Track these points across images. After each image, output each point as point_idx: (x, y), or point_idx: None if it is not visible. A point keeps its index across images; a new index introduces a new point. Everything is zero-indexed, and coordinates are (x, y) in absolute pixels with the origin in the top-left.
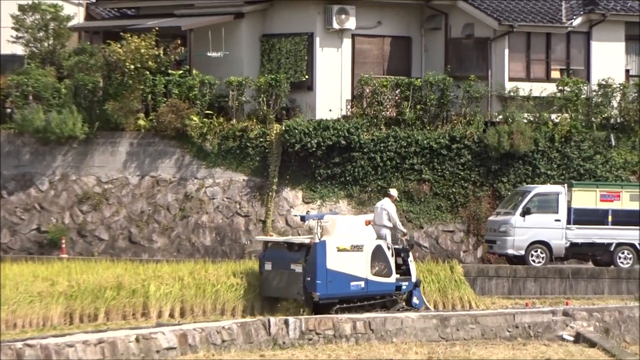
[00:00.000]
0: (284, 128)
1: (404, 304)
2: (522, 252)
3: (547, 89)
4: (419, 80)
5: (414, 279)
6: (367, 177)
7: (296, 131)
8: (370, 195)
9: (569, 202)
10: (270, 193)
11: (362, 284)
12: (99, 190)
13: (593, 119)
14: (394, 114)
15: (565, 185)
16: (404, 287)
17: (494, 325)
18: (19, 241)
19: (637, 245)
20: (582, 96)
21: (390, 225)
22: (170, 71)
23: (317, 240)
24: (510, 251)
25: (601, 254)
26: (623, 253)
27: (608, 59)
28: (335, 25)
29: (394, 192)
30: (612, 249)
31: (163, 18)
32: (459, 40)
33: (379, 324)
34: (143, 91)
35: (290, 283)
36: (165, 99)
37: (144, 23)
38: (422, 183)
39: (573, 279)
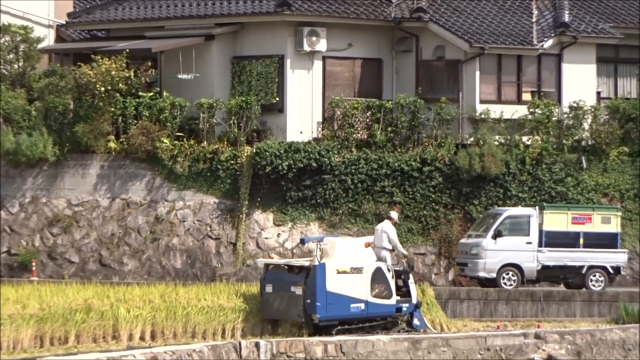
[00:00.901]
0: (254, 150)
1: (405, 325)
2: (494, 275)
3: (518, 111)
4: (390, 102)
5: (414, 301)
6: (338, 199)
7: (267, 153)
8: (342, 218)
9: (541, 224)
10: (241, 215)
11: (362, 305)
12: (69, 212)
13: (564, 141)
14: (365, 136)
15: (537, 207)
16: (404, 309)
17: (465, 348)
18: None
19: (609, 268)
20: (554, 118)
21: (390, 247)
22: (140, 93)
23: (316, 263)
24: (481, 274)
25: (573, 277)
26: (595, 276)
27: (579, 81)
28: (306, 48)
29: (394, 214)
30: (583, 271)
31: (133, 40)
32: (430, 63)
33: (350, 346)
34: (113, 113)
35: (290, 305)
36: (135, 121)
37: (114, 45)
38: (394, 205)
39: (545, 302)
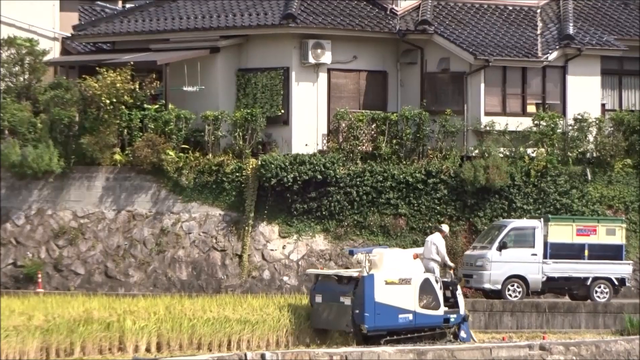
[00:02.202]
0: (260, 163)
1: (452, 337)
2: (499, 287)
3: (523, 124)
4: (394, 114)
5: (462, 312)
6: (343, 211)
7: (272, 166)
8: (347, 230)
9: (546, 236)
10: (247, 227)
11: (410, 316)
12: (75, 224)
13: (569, 153)
14: (370, 149)
15: (542, 219)
16: (452, 320)
17: (471, 359)
18: (0, 275)
19: (614, 280)
20: (558, 130)
21: (439, 259)
22: (146, 106)
23: (365, 274)
24: (486, 285)
25: (578, 288)
26: (599, 287)
27: (584, 93)
28: (311, 60)
29: (445, 227)
30: (588, 283)
31: (139, 52)
32: (434, 75)
33: (355, 358)
34: (119, 126)
35: (339, 315)
36: (141, 134)
37: (119, 57)
38: (398, 217)
39: (550, 313)
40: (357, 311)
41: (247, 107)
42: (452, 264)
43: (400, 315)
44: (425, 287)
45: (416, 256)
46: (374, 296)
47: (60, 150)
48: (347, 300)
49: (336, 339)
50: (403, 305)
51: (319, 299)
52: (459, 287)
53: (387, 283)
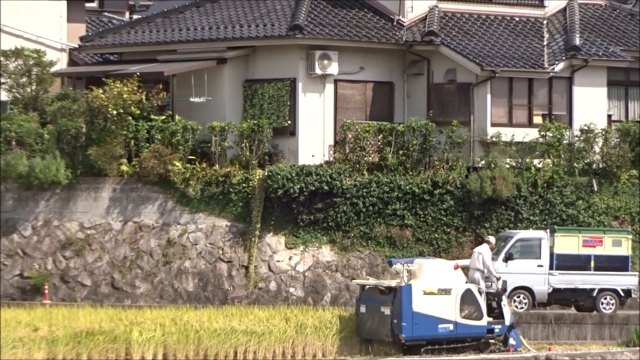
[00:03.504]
0: (266, 173)
1: (500, 345)
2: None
3: (529, 135)
4: (401, 125)
5: (507, 322)
6: (349, 222)
7: (279, 177)
8: (353, 241)
9: (552, 247)
10: (253, 239)
11: (451, 326)
12: (81, 235)
13: (575, 164)
14: (377, 160)
15: (548, 230)
16: (496, 330)
17: None
18: (1, 287)
19: (620, 291)
20: (565, 141)
21: (483, 269)
22: (152, 117)
23: (403, 284)
24: None
25: (584, 300)
26: (606, 299)
27: (590, 104)
28: (318, 71)
29: (492, 239)
30: (594, 294)
31: (146, 63)
32: (441, 86)
33: None
34: (126, 137)
35: (380, 325)
36: (148, 145)
37: (126, 68)
38: (405, 228)
39: (556, 325)
40: (395, 321)
41: (254, 118)
42: (497, 275)
43: (440, 326)
44: (467, 298)
45: (457, 267)
46: (412, 306)
47: (67, 161)
48: (387, 310)
49: (382, 348)
50: (443, 315)
51: (363, 309)
52: (504, 297)
53: (425, 293)
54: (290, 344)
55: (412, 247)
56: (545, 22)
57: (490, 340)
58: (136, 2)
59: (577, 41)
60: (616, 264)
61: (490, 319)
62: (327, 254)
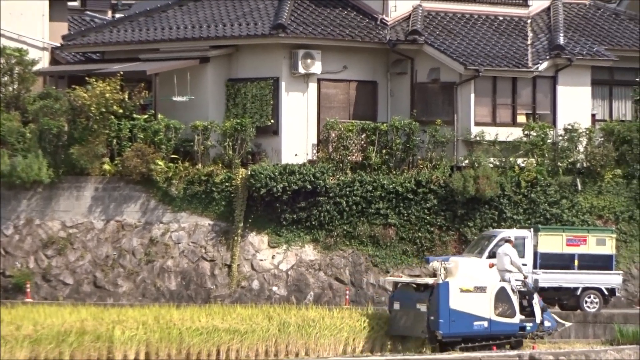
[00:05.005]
0: (249, 172)
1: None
2: None
3: (513, 134)
4: (384, 124)
5: (538, 320)
6: (332, 221)
7: (262, 176)
8: (336, 240)
9: (535, 246)
10: (236, 237)
11: (485, 324)
12: (63, 234)
13: (559, 163)
14: (360, 159)
15: (532, 229)
16: (528, 328)
17: None
18: None
19: (604, 290)
20: (548, 141)
21: (512, 269)
22: (135, 115)
23: (440, 281)
24: None
25: (567, 298)
26: (589, 297)
27: (574, 104)
28: (301, 70)
29: (512, 237)
30: (578, 293)
31: (128, 62)
32: (425, 85)
33: None
34: (108, 135)
35: (415, 322)
36: (130, 144)
37: (109, 67)
38: (388, 227)
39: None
40: (432, 318)
41: (237, 117)
42: (525, 274)
43: (475, 323)
44: (501, 296)
45: (492, 265)
46: (449, 303)
47: (49, 160)
48: (422, 307)
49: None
50: (478, 313)
51: (396, 306)
52: (535, 296)
53: (462, 291)
54: (273, 342)
55: (395, 246)
56: (529, 21)
57: (521, 339)
58: (118, 1)
59: (561, 40)
60: (600, 263)
61: (522, 317)
62: (310, 252)
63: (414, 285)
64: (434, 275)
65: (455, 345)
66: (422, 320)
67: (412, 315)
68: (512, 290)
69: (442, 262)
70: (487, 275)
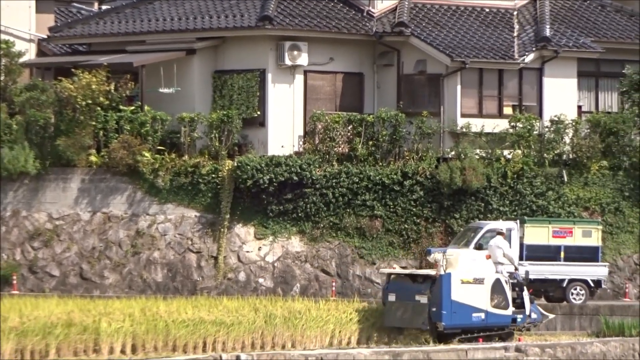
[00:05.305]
0: (236, 164)
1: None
2: None
3: (499, 125)
4: (371, 116)
5: (528, 312)
6: (319, 213)
7: (248, 167)
8: (323, 232)
9: (522, 238)
10: (222, 229)
11: (483, 315)
12: (50, 226)
13: (545, 155)
14: (346, 150)
15: (518, 221)
16: (518, 320)
17: None
18: None
19: (590, 282)
20: (535, 132)
21: (505, 261)
22: (121, 107)
23: (442, 273)
24: None
25: (553, 290)
26: (575, 289)
27: (560, 95)
28: (288, 62)
29: (504, 229)
30: (564, 285)
31: (115, 54)
32: (411, 77)
33: (331, 358)
34: (95, 127)
35: (415, 313)
36: (117, 135)
37: (95, 59)
38: (374, 219)
39: None
40: (434, 309)
41: (223, 108)
42: (517, 265)
43: (474, 314)
44: (497, 287)
45: (489, 257)
46: (451, 295)
47: (36, 152)
48: (423, 299)
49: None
50: (476, 305)
51: (392, 297)
52: (525, 288)
53: (463, 282)
54: (259, 334)
55: (381, 238)
56: (515, 13)
57: (512, 331)
58: None
59: (548, 32)
60: (586, 255)
61: (514, 309)
62: (296, 244)
63: (411, 277)
64: (425, 267)
65: (455, 337)
66: (422, 311)
67: (410, 307)
68: (506, 281)
69: (444, 254)
70: (485, 266)
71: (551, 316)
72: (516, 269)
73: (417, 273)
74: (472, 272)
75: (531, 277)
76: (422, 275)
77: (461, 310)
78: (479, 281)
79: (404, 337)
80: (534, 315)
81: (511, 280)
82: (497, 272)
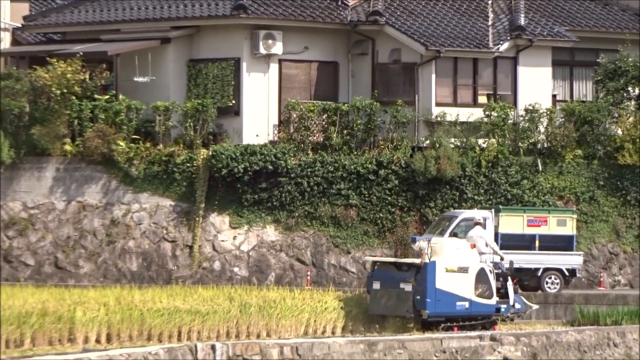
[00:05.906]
0: (210, 153)
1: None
2: None
3: (474, 114)
4: (346, 105)
5: (511, 302)
6: (294, 202)
7: (223, 156)
8: (298, 221)
9: (496, 227)
10: (197, 218)
11: (467, 304)
12: (25, 215)
13: (520, 144)
14: (321, 139)
15: (493, 210)
16: (502, 310)
17: (421, 350)
18: None
19: (564, 270)
20: (509, 121)
21: (488, 251)
22: (96, 96)
23: (427, 261)
24: None
25: (528, 279)
26: (550, 278)
27: (535, 84)
28: (262, 51)
29: (481, 218)
30: (539, 274)
31: (89, 43)
32: (386, 66)
33: (306, 349)
34: (69, 116)
35: (399, 301)
36: (91, 124)
37: (70, 48)
38: (349, 208)
39: None
40: (419, 297)
41: (198, 97)
42: (502, 254)
43: (458, 303)
44: (481, 277)
45: (473, 246)
46: (435, 283)
47: (11, 141)
48: (407, 287)
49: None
50: (461, 293)
51: (376, 285)
52: (509, 278)
53: (447, 271)
54: (234, 323)
55: (356, 227)
56: (490, 2)
57: (495, 320)
58: None
59: (522, 21)
60: (561, 244)
61: (498, 299)
62: (271, 233)
63: (395, 265)
64: (400, 256)
65: (438, 325)
66: (406, 299)
67: (394, 295)
68: (490, 271)
69: (429, 242)
70: (469, 255)
71: (535, 307)
72: (502, 258)
73: (402, 261)
74: (457, 261)
75: (506, 265)
76: (407, 263)
77: (445, 299)
78: (463, 270)
79: (388, 324)
80: (517, 306)
81: (495, 270)
82: (483, 262)
